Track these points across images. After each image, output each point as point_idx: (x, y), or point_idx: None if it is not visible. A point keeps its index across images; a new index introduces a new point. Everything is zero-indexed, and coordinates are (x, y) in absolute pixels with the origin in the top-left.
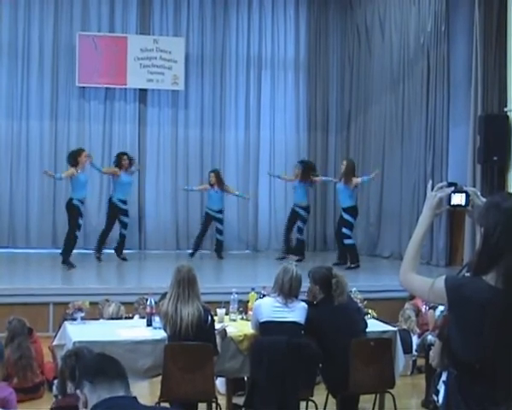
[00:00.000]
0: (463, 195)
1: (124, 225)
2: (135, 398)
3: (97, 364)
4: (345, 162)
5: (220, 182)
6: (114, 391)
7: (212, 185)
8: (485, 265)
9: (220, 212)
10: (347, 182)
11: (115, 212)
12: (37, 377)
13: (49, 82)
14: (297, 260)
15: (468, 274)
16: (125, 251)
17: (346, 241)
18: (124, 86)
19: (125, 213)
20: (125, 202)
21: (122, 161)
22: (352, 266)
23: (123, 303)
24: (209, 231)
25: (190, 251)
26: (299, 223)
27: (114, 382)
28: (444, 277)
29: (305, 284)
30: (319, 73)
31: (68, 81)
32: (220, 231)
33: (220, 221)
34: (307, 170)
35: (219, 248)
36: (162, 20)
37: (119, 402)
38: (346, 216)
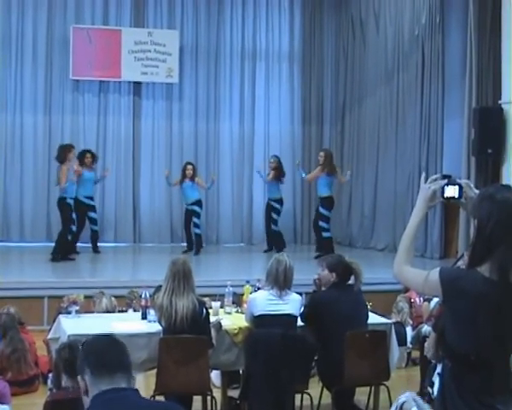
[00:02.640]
0: (457, 187)
1: (93, 222)
2: (136, 390)
3: (100, 353)
4: (323, 154)
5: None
6: (115, 383)
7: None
8: (480, 256)
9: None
10: (332, 172)
11: (82, 209)
12: (32, 370)
13: (42, 75)
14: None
15: (463, 266)
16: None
17: (324, 234)
18: (118, 79)
19: (93, 208)
20: (91, 198)
21: (85, 158)
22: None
23: (117, 297)
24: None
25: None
26: (273, 215)
27: (116, 374)
28: (438, 269)
29: (298, 277)
30: (314, 66)
31: (62, 74)
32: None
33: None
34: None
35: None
36: (156, 12)
37: (119, 394)
38: (321, 210)
